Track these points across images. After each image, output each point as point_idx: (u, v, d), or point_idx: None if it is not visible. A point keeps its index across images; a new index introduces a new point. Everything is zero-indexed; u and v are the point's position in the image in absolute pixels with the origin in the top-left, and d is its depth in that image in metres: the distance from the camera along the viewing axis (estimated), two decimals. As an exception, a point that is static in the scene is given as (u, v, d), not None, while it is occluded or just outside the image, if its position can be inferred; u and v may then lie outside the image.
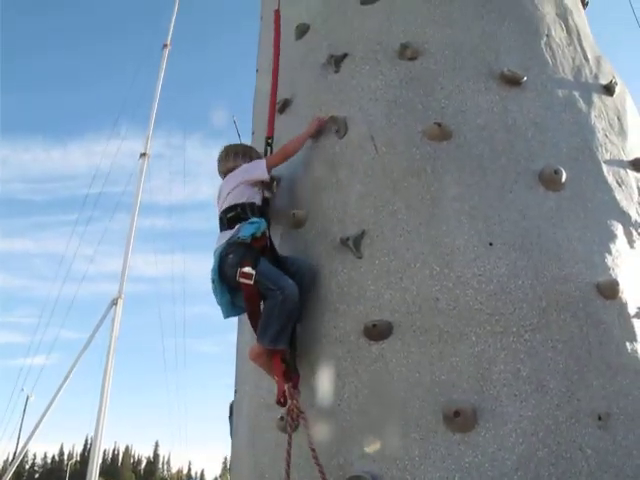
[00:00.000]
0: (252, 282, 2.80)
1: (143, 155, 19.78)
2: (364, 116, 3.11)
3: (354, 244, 2.79)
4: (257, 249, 2.95)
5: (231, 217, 3.07)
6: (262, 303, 2.86)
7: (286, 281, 2.80)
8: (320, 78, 3.45)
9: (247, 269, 2.82)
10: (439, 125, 2.92)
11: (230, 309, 3.04)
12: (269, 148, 3.44)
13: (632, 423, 2.47)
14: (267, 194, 3.36)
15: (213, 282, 2.98)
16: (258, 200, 3.17)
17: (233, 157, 3.40)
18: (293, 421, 2.52)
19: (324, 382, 2.67)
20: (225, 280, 2.94)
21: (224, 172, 3.38)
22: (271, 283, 2.81)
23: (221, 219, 3.14)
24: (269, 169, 3.21)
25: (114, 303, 17.92)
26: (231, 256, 2.92)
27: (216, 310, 3.07)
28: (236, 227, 2.99)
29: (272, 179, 3.34)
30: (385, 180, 2.91)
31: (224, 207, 3.14)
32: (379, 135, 3.02)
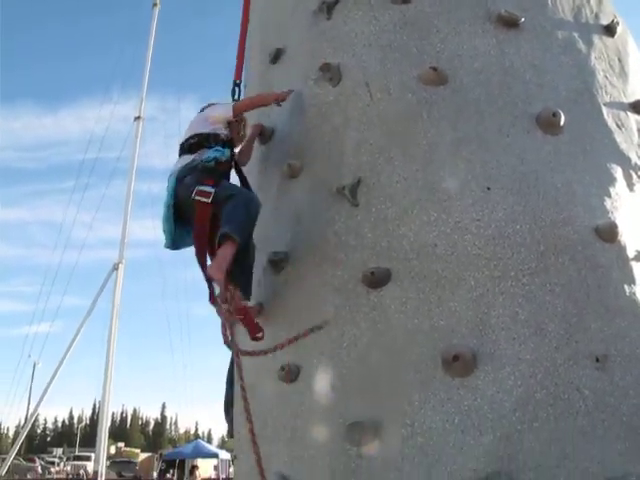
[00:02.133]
0: (209, 200, 2.75)
1: (137, 118, 19.57)
2: (358, 62, 3.03)
3: (350, 192, 2.76)
4: (220, 171, 2.94)
5: (192, 143, 3.08)
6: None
7: (251, 192, 2.88)
8: (312, 26, 3.35)
9: (205, 187, 2.78)
10: (435, 69, 2.85)
11: (172, 239, 3.02)
12: (237, 89, 3.51)
13: (629, 364, 2.48)
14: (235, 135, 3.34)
15: (167, 207, 2.95)
16: (223, 134, 3.15)
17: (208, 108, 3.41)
18: (228, 322, 2.62)
19: (323, 331, 2.68)
20: (177, 206, 2.92)
21: None
22: (234, 191, 2.85)
23: (181, 146, 3.14)
24: (235, 110, 3.23)
25: (115, 268, 18.03)
26: (188, 177, 2.90)
27: None
28: (197, 153, 2.99)
29: (241, 120, 3.34)
30: (381, 127, 2.86)
31: (186, 136, 3.16)
32: (374, 81, 2.95)
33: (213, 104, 3.45)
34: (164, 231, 2.98)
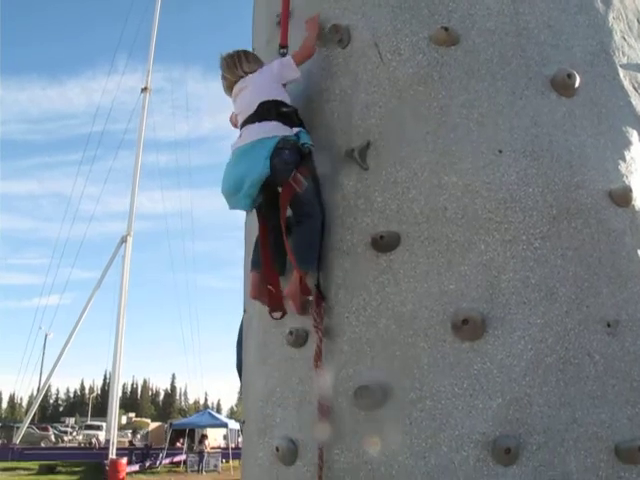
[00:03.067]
0: (300, 191, 2.67)
1: (144, 90, 19.42)
2: (367, 23, 2.96)
3: (359, 155, 2.71)
4: (312, 163, 2.78)
5: (283, 112, 2.82)
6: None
7: (321, 207, 2.73)
8: (320, -14, 3.26)
9: (301, 177, 2.68)
10: (446, 29, 2.77)
11: (252, 202, 2.78)
12: (279, 57, 3.16)
13: (641, 330, 2.47)
14: None
15: (260, 173, 2.67)
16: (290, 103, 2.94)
17: (247, 61, 3.11)
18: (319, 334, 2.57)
19: (332, 295, 2.67)
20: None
21: (243, 74, 3.08)
22: (315, 208, 2.73)
23: (258, 112, 2.84)
24: (297, 64, 2.98)
25: (123, 241, 18.12)
26: (287, 152, 2.71)
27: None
28: (290, 127, 2.79)
29: None
30: (391, 89, 2.79)
31: (265, 99, 2.86)
32: (384, 42, 2.88)
33: (249, 52, 3.21)
34: (247, 195, 2.73)
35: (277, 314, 2.82)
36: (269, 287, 2.80)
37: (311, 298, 2.69)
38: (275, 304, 2.81)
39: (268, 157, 2.66)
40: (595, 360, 2.39)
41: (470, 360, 2.37)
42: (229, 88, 3.15)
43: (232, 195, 2.80)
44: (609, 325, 2.45)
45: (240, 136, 2.91)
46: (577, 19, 2.99)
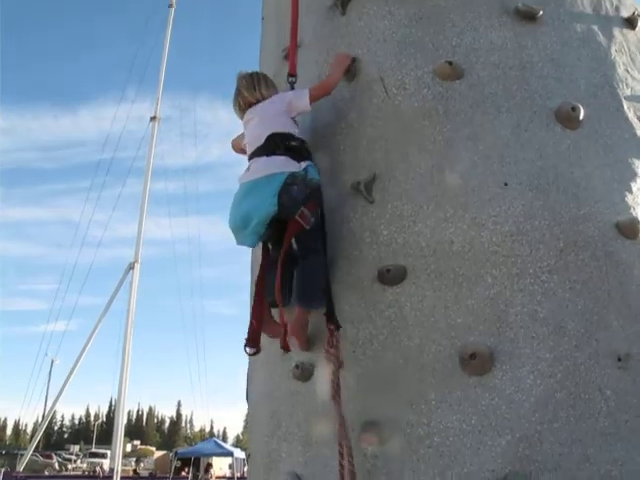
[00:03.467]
0: (306, 227, 2.65)
1: (153, 119, 19.68)
2: (373, 58, 3.00)
3: (366, 189, 2.72)
4: (319, 197, 2.76)
5: (292, 146, 2.79)
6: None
7: (324, 240, 2.71)
8: (327, 22, 3.32)
9: (308, 213, 2.65)
10: (450, 64, 2.81)
11: (258, 239, 2.78)
12: (288, 86, 3.17)
13: (653, 364, 2.43)
14: None
15: (268, 210, 2.64)
16: (299, 136, 2.91)
17: (265, 85, 3.06)
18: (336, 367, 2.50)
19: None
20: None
21: (255, 100, 3.02)
22: (319, 244, 2.71)
23: (267, 145, 2.81)
24: (311, 100, 2.93)
25: (131, 267, 18.16)
26: (295, 188, 2.66)
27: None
28: (298, 162, 2.75)
29: None
30: (396, 122, 2.82)
31: (274, 131, 2.84)
32: (389, 76, 2.91)
33: (263, 76, 3.12)
34: (254, 232, 2.73)
35: (251, 350, 2.71)
36: (252, 320, 2.71)
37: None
38: (251, 338, 2.70)
39: (276, 194, 2.63)
40: (606, 395, 2.34)
41: (478, 395, 2.33)
42: (242, 110, 3.08)
43: (239, 231, 2.78)
44: (620, 359, 2.41)
45: (248, 169, 2.88)
46: (580, 52, 3.02)
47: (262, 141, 2.86)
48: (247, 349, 2.72)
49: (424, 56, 2.91)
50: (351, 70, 3.01)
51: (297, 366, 2.72)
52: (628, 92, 3.06)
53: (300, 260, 2.77)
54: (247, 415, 3.49)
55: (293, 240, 2.78)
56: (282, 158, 2.77)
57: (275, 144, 2.82)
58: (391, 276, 2.55)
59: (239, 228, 2.78)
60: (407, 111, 2.82)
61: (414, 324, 2.49)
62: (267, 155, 2.81)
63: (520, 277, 2.45)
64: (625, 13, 3.36)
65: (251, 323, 2.72)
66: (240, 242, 2.83)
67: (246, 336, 2.71)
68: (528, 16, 2.98)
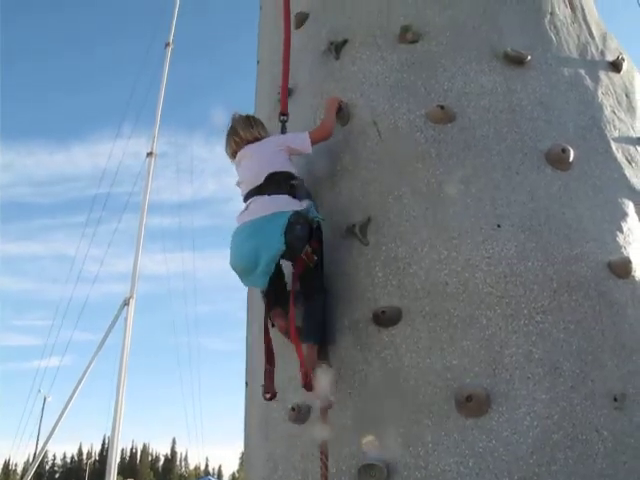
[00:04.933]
0: (311, 265, 2.68)
1: (149, 154, 19.79)
2: (366, 102, 3.07)
3: (360, 231, 2.76)
4: (321, 235, 2.79)
5: (292, 185, 2.81)
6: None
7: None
8: (321, 66, 3.41)
9: (312, 250, 2.68)
10: (442, 107, 2.88)
11: (268, 279, 2.71)
12: (280, 125, 3.24)
13: (649, 403, 2.43)
14: None
15: (276, 250, 2.63)
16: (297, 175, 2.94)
17: (262, 126, 3.12)
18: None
19: (334, 371, 2.64)
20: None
21: (248, 140, 3.04)
22: (321, 281, 2.75)
23: (268, 184, 2.81)
24: (313, 142, 2.97)
25: (126, 303, 18.00)
26: (299, 227, 2.65)
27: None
28: (299, 200, 2.78)
29: None
30: (390, 165, 2.87)
31: (273, 170, 2.84)
32: (382, 120, 2.98)
33: (256, 119, 3.18)
34: (264, 272, 2.68)
35: (267, 395, 2.70)
36: (266, 365, 2.71)
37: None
38: (267, 385, 2.70)
39: (282, 233, 2.62)
40: (604, 436, 2.34)
41: (475, 437, 2.32)
42: (234, 150, 3.08)
43: (248, 273, 2.73)
44: (616, 399, 2.41)
45: (247, 208, 2.86)
46: (568, 95, 3.11)
47: (261, 180, 2.85)
48: (265, 395, 2.70)
49: (416, 100, 2.98)
50: (342, 112, 3.08)
51: (293, 408, 2.71)
52: (616, 133, 3.13)
53: (305, 299, 2.77)
54: (243, 455, 3.45)
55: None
56: (284, 197, 2.78)
57: (276, 183, 2.82)
58: (386, 318, 2.57)
59: (247, 270, 2.73)
60: (400, 154, 2.88)
61: (410, 365, 2.49)
62: (268, 194, 2.80)
63: (514, 318, 2.47)
64: (610, 57, 3.46)
65: (266, 369, 2.70)
66: (250, 283, 2.82)
67: (263, 383, 2.70)
68: (517, 60, 3.07)
